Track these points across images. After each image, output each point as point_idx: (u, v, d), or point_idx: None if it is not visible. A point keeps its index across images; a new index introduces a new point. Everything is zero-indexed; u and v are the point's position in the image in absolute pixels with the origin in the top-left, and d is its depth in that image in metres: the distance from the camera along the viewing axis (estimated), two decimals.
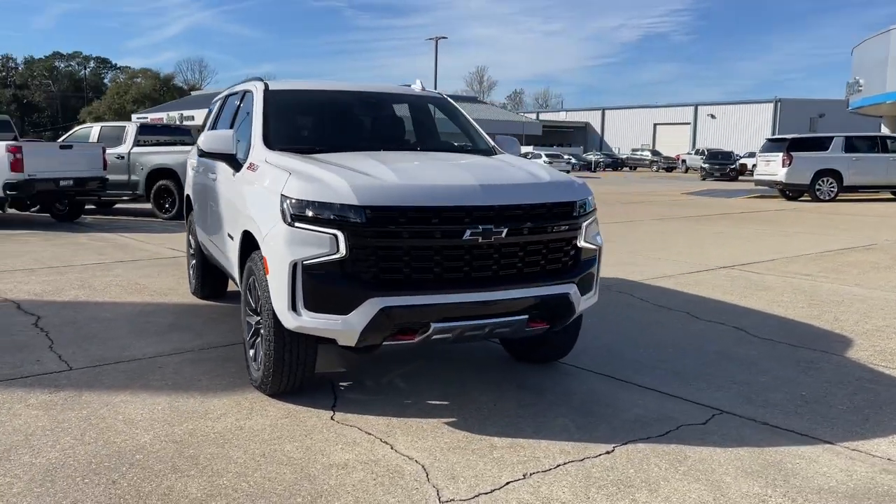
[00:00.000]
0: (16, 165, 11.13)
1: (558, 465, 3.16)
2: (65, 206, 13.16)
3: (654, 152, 61.07)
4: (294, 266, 3.44)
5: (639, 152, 62.05)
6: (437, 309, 3.52)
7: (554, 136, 73.23)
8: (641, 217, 14.92)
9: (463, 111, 5.37)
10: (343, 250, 3.40)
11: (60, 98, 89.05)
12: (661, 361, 4.65)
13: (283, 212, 3.54)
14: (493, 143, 5.12)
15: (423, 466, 3.14)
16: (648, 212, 16.35)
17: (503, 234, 3.58)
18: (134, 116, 60.53)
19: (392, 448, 3.32)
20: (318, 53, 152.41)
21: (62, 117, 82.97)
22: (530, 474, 3.07)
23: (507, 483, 2.99)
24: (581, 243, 3.90)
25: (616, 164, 58.30)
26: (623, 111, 76.54)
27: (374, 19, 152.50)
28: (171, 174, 13.40)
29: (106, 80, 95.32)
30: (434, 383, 4.23)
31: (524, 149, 48.10)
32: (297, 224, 3.49)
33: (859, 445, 3.40)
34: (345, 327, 3.44)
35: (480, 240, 3.53)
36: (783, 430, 3.57)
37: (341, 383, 4.20)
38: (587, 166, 54.62)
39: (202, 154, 4.94)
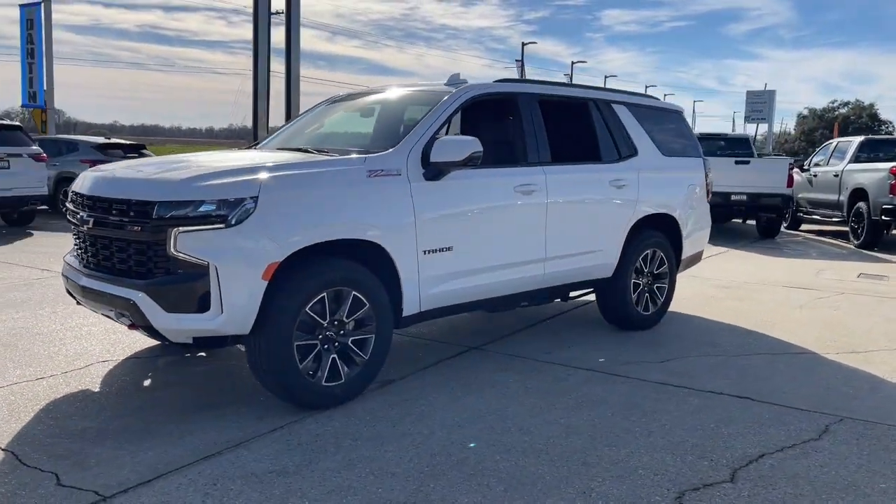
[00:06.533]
0: None
1: None
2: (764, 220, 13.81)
3: None
4: None
5: None
6: (72, 283, 4.21)
7: None
8: None
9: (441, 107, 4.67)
10: None
11: None
12: None
13: None
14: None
15: None
16: None
17: (90, 224, 3.95)
18: None
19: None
20: None
21: None
22: None
23: None
24: (171, 251, 3.60)
25: None
26: None
27: None
28: (864, 195, 12.38)
29: None
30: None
31: None
32: None
33: None
34: None
35: (81, 226, 4.04)
36: None
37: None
38: None
39: None
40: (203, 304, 3.62)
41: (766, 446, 3.64)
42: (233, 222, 3.62)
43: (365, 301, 4.10)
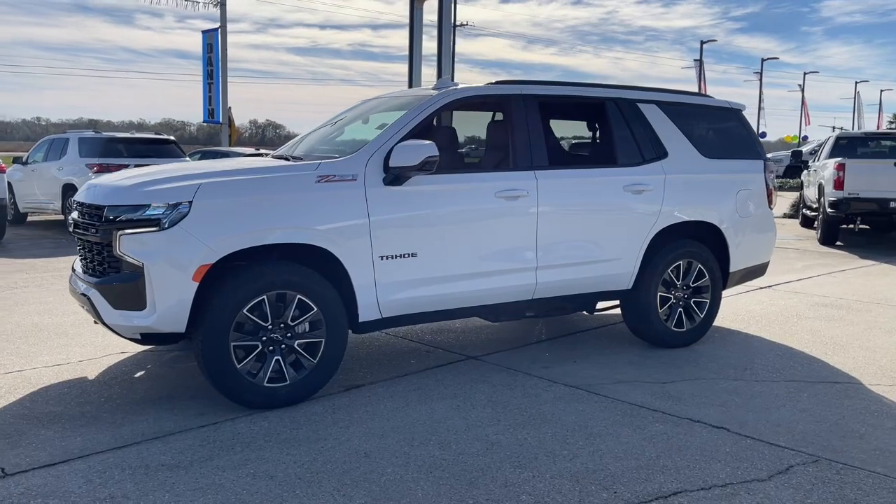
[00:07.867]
0: (837, 184, 11.97)
1: None
2: None
3: None
4: None
5: None
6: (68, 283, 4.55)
7: None
8: None
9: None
10: None
11: None
12: None
13: None
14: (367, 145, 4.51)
15: None
16: None
17: (72, 227, 4.38)
18: None
19: None
20: None
21: None
22: None
23: None
24: (117, 251, 3.91)
25: None
26: None
27: None
28: None
29: None
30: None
31: None
32: None
33: None
34: None
35: (68, 228, 4.51)
36: None
37: None
38: None
39: None
40: (142, 303, 3.87)
41: (692, 483, 3.23)
42: (166, 225, 3.85)
43: (312, 305, 4.14)
